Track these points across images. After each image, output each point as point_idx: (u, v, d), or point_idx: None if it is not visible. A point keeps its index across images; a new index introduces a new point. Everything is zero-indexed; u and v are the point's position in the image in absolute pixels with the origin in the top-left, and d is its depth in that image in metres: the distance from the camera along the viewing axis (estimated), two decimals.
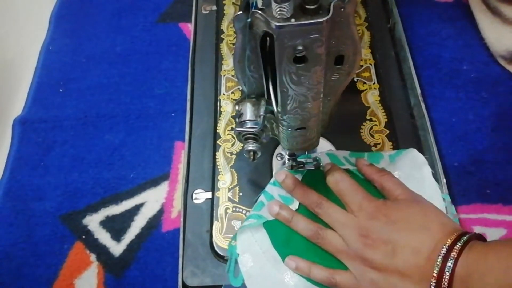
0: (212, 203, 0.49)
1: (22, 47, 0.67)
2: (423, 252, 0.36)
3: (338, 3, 0.27)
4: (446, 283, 0.34)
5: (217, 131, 0.53)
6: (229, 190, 0.49)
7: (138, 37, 0.67)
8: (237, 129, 0.37)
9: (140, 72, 0.63)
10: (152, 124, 0.59)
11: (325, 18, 0.26)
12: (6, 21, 0.66)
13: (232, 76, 0.57)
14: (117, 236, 0.52)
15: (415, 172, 0.47)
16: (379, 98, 0.54)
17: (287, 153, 0.46)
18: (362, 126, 0.52)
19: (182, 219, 0.48)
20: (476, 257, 0.34)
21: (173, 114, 0.59)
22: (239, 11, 0.30)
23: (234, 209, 0.48)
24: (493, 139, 0.55)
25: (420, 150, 0.50)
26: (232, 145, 0.52)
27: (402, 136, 0.52)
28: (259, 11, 0.27)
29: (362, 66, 0.57)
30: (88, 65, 0.65)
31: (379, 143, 0.51)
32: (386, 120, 0.53)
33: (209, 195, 0.49)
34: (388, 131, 0.52)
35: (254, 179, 0.50)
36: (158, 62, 0.64)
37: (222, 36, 0.61)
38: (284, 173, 0.46)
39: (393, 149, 0.51)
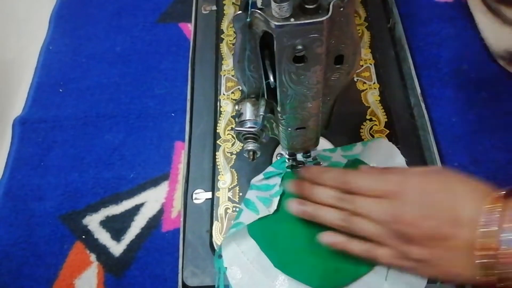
0: (212, 203, 0.49)
1: (22, 47, 0.67)
2: (464, 218, 0.35)
3: (338, 3, 0.27)
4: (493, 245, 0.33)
5: (217, 131, 0.53)
6: (229, 190, 0.49)
7: (138, 37, 0.67)
8: (237, 129, 0.37)
9: (140, 72, 0.63)
10: (152, 124, 0.59)
11: (324, 18, 0.26)
12: (6, 21, 0.66)
13: (232, 76, 0.57)
14: (117, 236, 0.52)
15: (390, 162, 0.48)
16: (379, 98, 0.54)
17: (287, 153, 0.46)
18: (362, 126, 0.52)
19: (182, 219, 0.48)
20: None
21: (173, 114, 0.59)
22: (239, 11, 0.30)
23: (234, 209, 0.48)
24: (493, 139, 0.55)
25: (420, 150, 0.50)
26: (232, 145, 0.52)
27: (402, 136, 0.52)
28: (259, 11, 0.27)
29: (362, 66, 0.57)
30: (88, 65, 0.65)
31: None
32: (386, 120, 0.53)
33: (209, 195, 0.49)
34: (388, 131, 0.52)
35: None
36: (158, 62, 0.64)
37: (222, 36, 0.61)
38: (305, 169, 0.45)
39: None
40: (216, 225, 0.47)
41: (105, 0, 0.71)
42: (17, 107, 0.62)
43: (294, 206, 0.43)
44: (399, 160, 0.48)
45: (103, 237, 0.52)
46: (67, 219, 0.53)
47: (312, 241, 0.43)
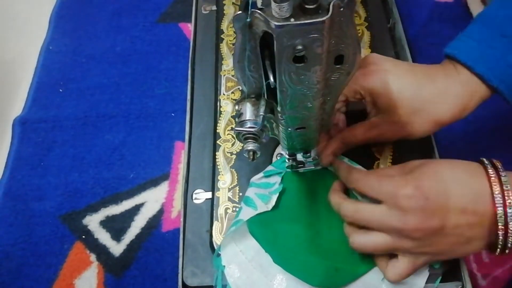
0: (212, 203, 0.49)
1: (22, 47, 0.67)
2: (476, 196, 0.36)
3: (338, 3, 0.27)
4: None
5: (217, 131, 0.53)
6: (229, 190, 0.49)
7: (138, 37, 0.67)
8: (237, 129, 0.37)
9: (140, 72, 0.63)
10: (152, 124, 0.59)
11: (324, 18, 0.26)
12: (6, 21, 0.66)
13: (232, 76, 0.57)
14: (117, 236, 0.52)
15: None
16: None
17: (287, 153, 0.46)
18: None
19: (182, 219, 0.48)
20: None
21: (173, 114, 0.59)
22: (239, 11, 0.30)
23: (234, 209, 0.48)
24: (493, 139, 0.55)
25: (420, 151, 0.50)
26: (232, 145, 0.52)
27: None
28: (259, 11, 0.27)
29: None
30: (88, 65, 0.65)
31: (379, 143, 0.51)
32: None
33: (209, 195, 0.49)
34: None
35: None
36: (158, 62, 0.64)
37: (222, 36, 0.61)
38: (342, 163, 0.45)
39: (393, 149, 0.51)
40: (216, 225, 0.47)
41: (105, 0, 0.71)
42: (17, 107, 0.62)
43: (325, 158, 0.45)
44: None
45: (103, 237, 0.52)
46: (67, 219, 0.53)
47: (313, 240, 0.43)
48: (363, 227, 0.40)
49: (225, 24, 0.62)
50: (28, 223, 0.53)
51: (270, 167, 0.48)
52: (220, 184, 0.49)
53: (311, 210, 0.45)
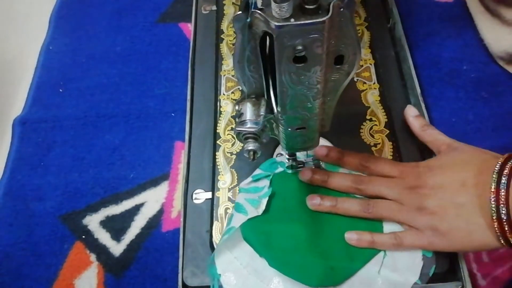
0: (212, 203, 0.49)
1: (22, 47, 0.67)
2: (469, 181, 0.39)
3: (338, 3, 0.27)
4: (503, 199, 0.36)
5: (217, 131, 0.53)
6: (229, 190, 0.49)
7: (138, 37, 0.67)
8: (237, 129, 0.37)
9: (140, 72, 0.63)
10: (152, 124, 0.59)
11: (324, 18, 0.26)
12: (6, 21, 0.66)
13: (232, 76, 0.57)
14: (117, 236, 0.52)
15: None
16: (379, 98, 0.54)
17: (287, 153, 0.46)
18: (362, 126, 0.52)
19: (182, 219, 0.48)
20: None
21: (173, 114, 0.59)
22: (239, 11, 0.30)
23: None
24: (493, 139, 0.55)
25: (421, 151, 0.50)
26: (232, 145, 0.52)
27: (402, 136, 0.52)
28: (259, 11, 0.27)
29: (362, 66, 0.57)
30: (88, 65, 0.65)
31: (379, 143, 0.51)
32: (386, 120, 0.53)
33: (209, 195, 0.49)
34: (388, 131, 0.52)
35: None
36: (158, 62, 0.64)
37: (222, 36, 0.61)
38: (325, 148, 0.47)
39: (393, 149, 0.51)
40: (216, 225, 0.47)
41: (105, 0, 0.71)
42: (17, 107, 0.62)
43: (313, 201, 0.45)
44: None
45: (103, 237, 0.52)
46: (67, 219, 0.53)
47: (307, 240, 0.43)
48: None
49: (225, 24, 0.62)
50: (28, 223, 0.53)
51: (258, 171, 0.48)
52: (220, 184, 0.49)
53: (303, 210, 0.45)
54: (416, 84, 0.55)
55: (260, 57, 0.32)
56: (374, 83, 0.56)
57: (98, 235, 0.52)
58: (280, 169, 0.48)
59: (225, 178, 0.50)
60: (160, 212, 0.53)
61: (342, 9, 0.27)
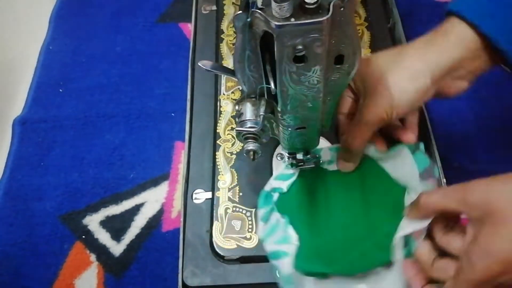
0: (212, 203, 0.49)
1: (22, 47, 0.67)
2: None
3: (338, 3, 0.27)
4: None
5: (217, 131, 0.53)
6: (229, 190, 0.49)
7: (138, 37, 0.67)
8: (237, 129, 0.37)
9: (140, 72, 0.63)
10: (152, 124, 0.59)
11: (325, 18, 0.26)
12: (6, 21, 0.66)
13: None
14: (117, 236, 0.52)
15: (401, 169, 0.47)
16: None
17: (287, 152, 0.46)
18: None
19: (182, 219, 0.48)
20: None
21: (173, 114, 0.59)
22: (239, 11, 0.30)
23: (234, 209, 0.48)
24: (493, 139, 0.55)
25: None
26: (232, 145, 0.52)
27: None
28: (259, 11, 0.27)
29: None
30: (88, 65, 0.65)
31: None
32: None
33: (209, 195, 0.49)
34: None
35: (254, 179, 0.50)
36: (158, 62, 0.64)
37: (222, 36, 0.61)
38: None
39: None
40: (216, 225, 0.47)
41: (105, 0, 0.71)
42: (17, 107, 0.62)
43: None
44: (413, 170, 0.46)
45: (103, 237, 0.52)
46: (67, 219, 0.53)
47: (343, 235, 0.43)
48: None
49: (225, 24, 0.62)
50: (28, 223, 0.53)
51: (260, 212, 0.45)
52: (220, 184, 0.49)
53: (326, 209, 0.45)
54: None
55: (260, 57, 0.32)
56: None
57: (98, 235, 0.52)
58: (276, 196, 0.46)
59: (225, 178, 0.50)
60: (160, 212, 0.53)
61: (342, 9, 0.27)
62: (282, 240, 0.43)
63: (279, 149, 0.51)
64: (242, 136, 0.38)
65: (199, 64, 0.37)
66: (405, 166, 0.46)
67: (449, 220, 0.37)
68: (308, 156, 0.46)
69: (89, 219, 0.53)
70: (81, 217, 0.53)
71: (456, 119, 0.56)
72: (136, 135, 0.58)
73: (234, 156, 0.51)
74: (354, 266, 0.42)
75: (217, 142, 0.52)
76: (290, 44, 0.28)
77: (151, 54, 0.65)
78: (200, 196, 0.49)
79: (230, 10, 0.63)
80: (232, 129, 0.53)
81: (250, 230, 0.47)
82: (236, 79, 0.35)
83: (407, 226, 0.39)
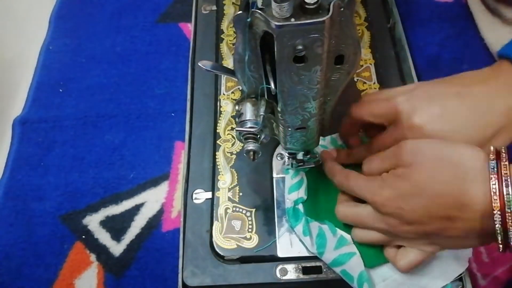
0: (212, 203, 0.49)
1: (22, 47, 0.67)
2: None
3: (338, 3, 0.27)
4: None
5: (217, 131, 0.53)
6: (229, 190, 0.49)
7: (138, 37, 0.67)
8: (237, 129, 0.37)
9: (140, 72, 0.63)
10: (152, 124, 0.59)
11: (325, 18, 0.26)
12: (6, 21, 0.66)
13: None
14: (117, 236, 0.52)
15: None
16: None
17: (287, 153, 0.46)
18: None
19: (182, 219, 0.48)
20: None
21: (173, 114, 0.59)
22: (239, 11, 0.30)
23: (234, 209, 0.48)
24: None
25: None
26: (232, 145, 0.52)
27: None
28: (259, 11, 0.27)
29: (362, 66, 0.57)
30: (88, 65, 0.65)
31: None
32: None
33: (209, 195, 0.49)
34: None
35: (254, 179, 0.50)
36: (158, 62, 0.64)
37: (222, 36, 0.61)
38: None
39: None
40: (216, 225, 0.47)
41: (105, 0, 0.71)
42: (17, 107, 0.62)
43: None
44: None
45: (103, 237, 0.52)
46: (67, 219, 0.53)
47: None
48: None
49: (225, 24, 0.62)
50: (28, 223, 0.53)
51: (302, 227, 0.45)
52: (220, 184, 0.49)
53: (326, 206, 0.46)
54: None
55: (260, 57, 0.32)
56: (374, 83, 0.56)
57: (98, 235, 0.52)
58: (301, 207, 0.46)
59: (225, 178, 0.50)
60: (160, 212, 0.53)
61: (342, 9, 0.27)
62: (340, 243, 0.43)
63: (279, 149, 0.51)
64: (242, 136, 0.38)
65: (199, 64, 0.37)
66: None
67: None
68: (308, 156, 0.46)
69: (89, 219, 0.53)
70: (81, 217, 0.53)
71: None
72: (136, 135, 0.58)
73: (234, 156, 0.51)
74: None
75: (217, 142, 0.52)
76: (290, 44, 0.28)
77: (151, 54, 0.65)
78: (200, 196, 0.49)
79: (230, 10, 0.63)
80: (232, 129, 0.53)
81: (250, 230, 0.47)
82: (236, 79, 0.35)
83: None
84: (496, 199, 0.31)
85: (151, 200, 0.54)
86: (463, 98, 0.38)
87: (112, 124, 0.59)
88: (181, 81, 0.61)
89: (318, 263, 0.45)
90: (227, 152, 0.51)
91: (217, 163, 0.51)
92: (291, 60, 0.29)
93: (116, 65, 0.64)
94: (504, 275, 0.48)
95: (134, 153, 0.57)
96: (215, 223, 0.47)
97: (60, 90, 0.63)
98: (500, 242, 0.32)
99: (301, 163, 0.47)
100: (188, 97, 0.56)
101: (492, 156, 0.32)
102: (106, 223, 0.53)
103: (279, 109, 0.35)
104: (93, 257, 0.51)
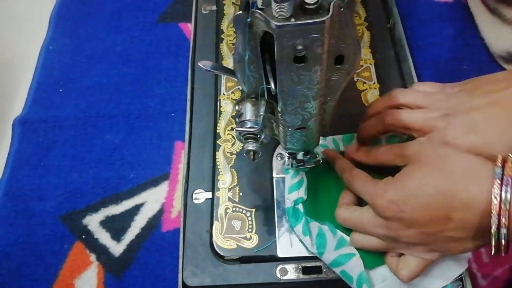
0: (212, 203, 0.49)
1: (22, 47, 0.67)
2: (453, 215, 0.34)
3: (338, 3, 0.27)
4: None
5: (217, 131, 0.53)
6: (229, 190, 0.49)
7: (138, 37, 0.67)
8: (237, 129, 0.37)
9: (140, 72, 0.63)
10: (152, 124, 0.59)
11: (325, 18, 0.26)
12: (6, 21, 0.66)
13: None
14: (117, 236, 0.52)
15: None
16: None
17: (287, 153, 0.46)
18: None
19: (182, 219, 0.48)
20: None
21: (173, 114, 0.59)
22: (239, 11, 0.30)
23: (234, 209, 0.48)
24: None
25: None
26: (232, 145, 0.52)
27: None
28: (259, 11, 0.27)
29: (362, 66, 0.57)
30: (88, 65, 0.65)
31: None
32: None
33: (209, 195, 0.49)
34: None
35: (254, 179, 0.50)
36: (158, 62, 0.64)
37: (222, 36, 0.61)
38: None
39: None
40: (216, 225, 0.47)
41: (105, 0, 0.71)
42: (17, 107, 0.62)
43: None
44: None
45: (103, 237, 0.52)
46: (67, 219, 0.53)
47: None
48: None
49: (225, 24, 0.62)
50: (28, 223, 0.53)
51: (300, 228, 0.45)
52: (220, 184, 0.49)
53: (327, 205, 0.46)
54: None
55: (261, 57, 0.32)
56: (374, 83, 0.56)
57: (98, 235, 0.52)
58: (301, 207, 0.46)
59: (225, 178, 0.50)
60: (160, 212, 0.53)
61: (342, 9, 0.27)
62: (340, 244, 0.43)
63: (279, 149, 0.51)
64: (242, 136, 0.38)
65: (199, 64, 0.37)
66: None
67: None
68: (308, 156, 0.46)
69: (89, 219, 0.53)
70: (81, 217, 0.53)
71: None
72: (136, 135, 0.58)
73: (234, 156, 0.51)
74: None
75: (217, 142, 0.52)
76: (290, 44, 0.28)
77: (151, 54, 0.65)
78: (200, 196, 0.49)
79: (230, 10, 0.63)
80: (232, 129, 0.53)
81: (250, 230, 0.47)
82: (236, 79, 0.35)
83: None
84: (496, 204, 0.31)
85: (151, 200, 0.54)
86: (497, 106, 0.37)
87: (112, 124, 0.59)
88: (181, 81, 0.61)
89: (318, 263, 0.45)
90: (227, 152, 0.51)
91: (217, 163, 0.51)
92: (291, 60, 0.29)
93: (116, 65, 0.64)
94: (504, 275, 0.48)
95: (134, 153, 0.57)
96: (215, 223, 0.47)
97: (60, 90, 0.63)
98: (493, 244, 0.33)
99: (301, 163, 0.47)
100: (188, 97, 0.56)
101: (499, 163, 0.33)
102: (106, 223, 0.53)
103: (279, 109, 0.35)
104: (93, 257, 0.51)
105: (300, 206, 0.46)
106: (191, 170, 0.51)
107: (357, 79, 0.56)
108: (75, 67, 0.65)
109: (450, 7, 0.65)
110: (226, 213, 0.48)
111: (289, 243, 0.46)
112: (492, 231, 0.32)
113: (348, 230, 0.43)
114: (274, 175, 0.49)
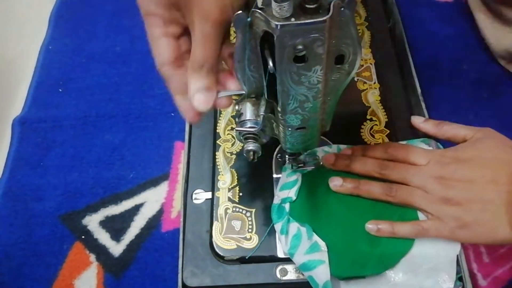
0: (212, 203, 0.49)
1: (22, 47, 0.67)
2: (502, 179, 0.39)
3: (338, 2, 0.27)
4: None
5: (217, 131, 0.53)
6: (229, 190, 0.49)
7: (138, 37, 0.67)
8: (237, 129, 0.37)
9: (140, 72, 0.63)
10: (152, 124, 0.59)
11: (325, 18, 0.26)
12: (6, 21, 0.66)
13: None
14: (116, 236, 0.52)
15: None
16: (379, 98, 0.54)
17: (287, 153, 0.46)
18: (362, 126, 0.52)
19: (182, 219, 0.48)
20: None
21: (173, 114, 0.59)
22: (239, 11, 0.29)
23: (234, 209, 0.48)
24: None
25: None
26: (232, 145, 0.52)
27: (402, 136, 0.51)
28: (259, 11, 0.27)
29: (362, 66, 0.57)
30: (88, 65, 0.65)
31: (380, 143, 0.51)
32: (387, 119, 0.53)
33: (209, 195, 0.49)
34: (388, 131, 0.52)
35: (254, 179, 0.50)
36: None
37: None
38: (331, 156, 0.47)
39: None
40: (216, 225, 0.47)
41: (105, 0, 0.71)
42: (17, 107, 0.62)
43: (334, 183, 0.45)
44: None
45: (103, 237, 0.52)
46: (67, 219, 0.53)
47: (348, 233, 0.44)
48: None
49: None
50: (28, 223, 0.53)
51: (277, 226, 0.45)
52: (220, 184, 0.49)
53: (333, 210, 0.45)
54: (416, 84, 0.55)
55: (261, 56, 0.32)
56: (374, 83, 0.56)
57: (98, 235, 0.52)
58: (287, 206, 0.45)
59: (225, 178, 0.50)
60: (160, 212, 0.53)
61: (342, 9, 0.27)
62: (312, 249, 0.42)
63: (279, 149, 0.51)
64: (242, 136, 0.38)
65: None
66: None
67: None
68: (308, 153, 0.46)
69: (88, 219, 0.53)
70: (81, 217, 0.53)
71: (456, 119, 0.56)
72: (136, 135, 0.58)
73: (234, 156, 0.51)
74: (384, 262, 0.42)
75: (217, 142, 0.52)
76: (290, 44, 0.27)
77: (151, 54, 0.65)
78: (200, 196, 0.49)
79: None
80: (232, 129, 0.53)
81: (250, 230, 0.47)
82: (236, 79, 0.35)
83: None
84: None
85: (151, 200, 0.54)
86: None
87: (112, 124, 0.59)
88: None
89: None
90: (227, 152, 0.51)
91: (217, 163, 0.51)
92: (292, 60, 0.29)
93: (116, 65, 0.64)
94: (505, 275, 0.48)
95: (134, 153, 0.57)
96: (215, 223, 0.47)
97: (60, 90, 0.63)
98: None
99: (301, 164, 0.47)
100: None
101: None
102: (106, 223, 0.52)
103: (279, 109, 0.35)
104: (92, 257, 0.51)
105: (287, 206, 0.45)
106: (191, 170, 0.51)
107: (357, 79, 0.56)
108: (75, 67, 0.65)
109: (450, 7, 0.65)
110: (226, 213, 0.48)
111: None
112: None
113: (326, 236, 0.43)
114: (274, 175, 0.49)
